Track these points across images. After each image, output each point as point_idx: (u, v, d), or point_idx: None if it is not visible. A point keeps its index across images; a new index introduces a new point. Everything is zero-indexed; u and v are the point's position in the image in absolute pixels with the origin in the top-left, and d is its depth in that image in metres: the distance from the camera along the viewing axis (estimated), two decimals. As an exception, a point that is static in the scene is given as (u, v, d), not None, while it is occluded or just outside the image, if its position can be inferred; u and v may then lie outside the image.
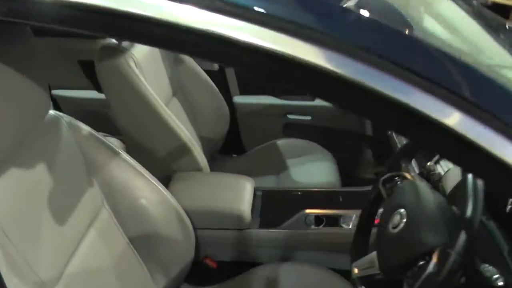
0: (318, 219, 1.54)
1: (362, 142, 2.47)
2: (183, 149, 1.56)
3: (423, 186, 1.06)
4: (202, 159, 1.62)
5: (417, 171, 1.27)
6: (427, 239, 0.93)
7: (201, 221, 1.44)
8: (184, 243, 1.34)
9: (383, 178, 1.20)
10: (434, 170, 1.20)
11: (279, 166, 2.03)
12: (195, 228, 1.37)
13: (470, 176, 0.86)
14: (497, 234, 0.97)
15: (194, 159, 1.59)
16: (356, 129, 2.40)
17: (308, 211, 1.57)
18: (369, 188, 1.73)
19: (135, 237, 1.22)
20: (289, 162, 2.04)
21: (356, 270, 1.14)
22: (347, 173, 2.03)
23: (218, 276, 1.46)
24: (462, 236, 0.82)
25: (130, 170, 1.20)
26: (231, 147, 2.22)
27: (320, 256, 1.51)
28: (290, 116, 2.32)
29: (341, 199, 1.67)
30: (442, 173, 1.21)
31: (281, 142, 2.17)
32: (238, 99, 2.26)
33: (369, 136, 2.42)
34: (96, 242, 1.10)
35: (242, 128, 2.34)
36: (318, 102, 2.28)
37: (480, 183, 0.86)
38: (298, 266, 1.42)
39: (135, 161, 1.23)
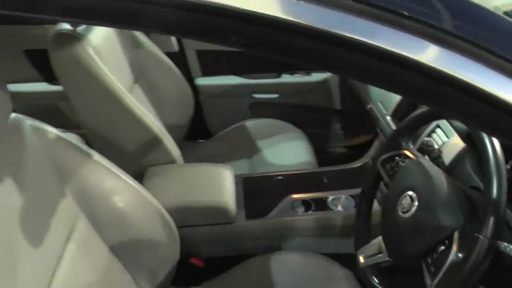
0: (306, 204, 1.46)
1: (331, 116, 2.41)
2: (154, 141, 1.43)
3: (431, 166, 0.99)
4: (175, 150, 1.50)
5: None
6: (446, 222, 0.87)
7: (184, 218, 1.33)
8: (169, 245, 1.22)
9: (381, 158, 1.12)
10: (432, 145, 1.14)
11: (251, 149, 1.93)
12: (178, 227, 1.25)
13: (491, 153, 0.80)
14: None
15: (166, 151, 1.46)
16: (324, 104, 2.33)
17: (294, 196, 1.49)
18: (352, 166, 1.68)
19: (117, 245, 1.10)
20: (261, 143, 1.95)
21: (362, 259, 1.07)
22: (318, 149, 1.96)
23: (206, 274, 1.36)
24: (491, 219, 0.76)
25: (104, 172, 1.07)
26: (196, 133, 2.09)
27: (311, 242, 1.44)
28: (257, 95, 2.22)
29: (325, 180, 1.60)
30: (437, 147, 1.15)
31: (250, 123, 2.07)
32: (201, 81, 2.13)
33: (338, 109, 2.36)
34: (76, 258, 0.97)
35: (206, 112, 2.21)
36: (285, 78, 2.19)
37: (502, 160, 0.80)
38: (289, 255, 1.34)
39: (107, 160, 1.09)
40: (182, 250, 1.28)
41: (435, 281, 0.83)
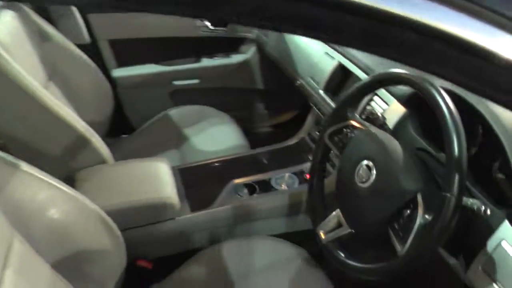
0: (250, 187, 1.42)
1: (254, 97, 2.39)
2: (81, 141, 1.30)
3: (382, 133, 0.99)
4: (104, 149, 1.37)
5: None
6: (407, 186, 0.87)
7: (127, 220, 1.23)
8: (114, 252, 1.12)
9: (329, 131, 1.11)
10: (376, 113, 1.15)
11: (178, 139, 1.84)
12: (121, 231, 1.16)
13: (447, 113, 0.80)
14: None
15: (95, 151, 1.34)
16: (246, 85, 2.30)
17: (237, 181, 1.44)
18: (288, 143, 1.67)
19: (59, 261, 0.98)
20: (188, 131, 1.87)
21: (322, 235, 1.06)
22: (245, 131, 1.93)
23: (156, 276, 1.28)
24: (456, 176, 0.77)
25: (36, 183, 0.94)
26: (118, 128, 1.96)
27: (260, 226, 1.41)
28: (177, 82, 2.13)
29: (265, 160, 1.57)
30: (380, 115, 1.16)
31: (173, 112, 1.98)
32: (117, 72, 1.99)
33: (260, 89, 2.34)
34: (16, 284, 0.85)
35: (126, 105, 2.08)
36: (205, 62, 2.12)
37: (459, 118, 0.81)
38: (240, 242, 1.29)
39: (36, 168, 0.97)
40: (128, 254, 1.18)
41: (406, 246, 0.83)
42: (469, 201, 0.83)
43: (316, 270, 1.22)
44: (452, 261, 1.00)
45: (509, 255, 0.81)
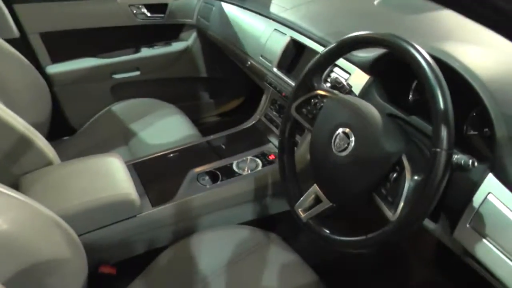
0: (212, 175, 1.34)
1: (199, 86, 2.30)
2: (23, 143, 1.16)
3: (354, 98, 0.95)
4: (50, 150, 1.24)
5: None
6: (390, 148, 0.84)
7: (84, 224, 1.11)
8: (74, 259, 1.01)
9: (295, 104, 1.05)
10: (341, 82, 1.10)
11: (125, 134, 1.73)
12: (79, 236, 1.04)
13: (427, 67, 0.77)
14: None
15: (40, 153, 1.20)
16: (189, 74, 2.21)
17: (197, 170, 1.36)
18: (244, 126, 1.60)
19: (13, 278, 0.86)
20: (135, 126, 1.76)
21: (301, 213, 1.00)
22: (193, 122, 1.85)
23: (121, 281, 1.17)
24: (444, 130, 0.73)
25: None
26: (57, 130, 1.81)
27: (228, 214, 1.34)
28: (117, 76, 2.00)
29: (223, 146, 1.49)
30: (345, 83, 1.12)
31: (116, 107, 1.86)
32: (52, 69, 1.83)
33: (204, 77, 2.26)
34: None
35: (64, 104, 1.92)
36: (144, 52, 2.01)
37: (438, 69, 0.78)
38: (208, 234, 1.22)
39: None
40: (90, 260, 1.07)
41: (398, 210, 0.79)
42: (454, 157, 0.80)
43: (290, 253, 1.17)
44: (431, 225, 0.98)
45: (497, 207, 0.79)
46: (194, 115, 2.02)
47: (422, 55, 0.78)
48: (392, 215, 0.80)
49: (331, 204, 0.94)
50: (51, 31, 1.77)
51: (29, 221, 0.90)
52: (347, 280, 1.43)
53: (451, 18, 1.27)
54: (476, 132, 0.94)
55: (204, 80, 2.28)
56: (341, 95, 1.00)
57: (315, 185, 0.99)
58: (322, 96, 1.02)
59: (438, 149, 0.73)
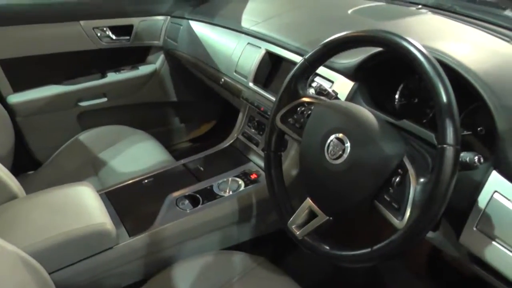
0: (192, 199, 1.26)
1: (168, 111, 2.23)
2: None
3: (344, 102, 0.90)
4: (14, 182, 1.14)
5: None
6: (390, 151, 0.78)
7: (55, 260, 1.01)
8: None
9: (280, 115, 0.99)
10: (326, 89, 1.05)
11: (95, 164, 1.63)
12: (49, 273, 0.93)
13: (426, 62, 0.72)
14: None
15: (4, 186, 1.10)
16: (158, 99, 2.13)
17: (175, 194, 1.27)
18: (222, 146, 1.53)
19: None
20: (105, 155, 1.67)
21: (296, 230, 0.93)
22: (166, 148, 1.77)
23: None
24: (450, 125, 0.68)
25: None
26: (20, 164, 1.69)
27: (211, 239, 1.25)
28: (83, 104, 1.90)
29: (201, 168, 1.41)
30: (331, 89, 1.07)
31: (84, 136, 1.77)
32: (14, 98, 1.72)
33: (174, 101, 2.19)
34: None
35: (28, 135, 1.81)
36: (111, 77, 1.93)
37: (438, 64, 0.73)
38: (192, 262, 1.13)
39: None
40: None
41: (406, 216, 0.73)
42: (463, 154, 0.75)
43: (281, 275, 1.10)
44: (431, 234, 0.93)
45: (505, 206, 0.75)
46: (165, 141, 1.94)
47: (418, 48, 0.74)
48: (399, 223, 0.73)
49: (327, 218, 0.87)
50: (11, 58, 1.67)
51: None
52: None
53: (428, 21, 1.26)
54: (469, 132, 0.90)
55: (173, 105, 2.21)
56: (330, 100, 0.94)
57: (308, 199, 0.92)
58: (308, 103, 0.96)
59: (445, 145, 0.68)
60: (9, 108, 1.69)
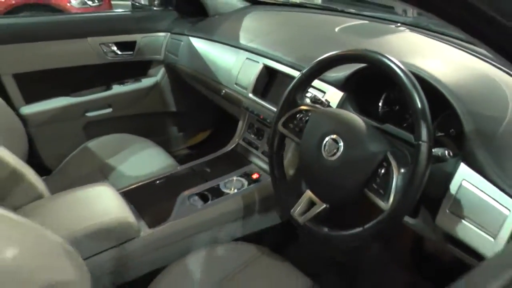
0: (202, 196, 1.41)
1: (168, 120, 2.38)
2: (14, 176, 1.19)
3: (337, 110, 1.07)
4: (40, 184, 1.27)
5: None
6: (375, 148, 0.95)
7: (88, 247, 1.15)
8: (81, 284, 1.03)
9: (282, 121, 1.16)
10: (320, 98, 1.22)
11: (103, 170, 1.77)
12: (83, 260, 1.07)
13: (403, 75, 0.90)
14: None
15: (31, 186, 1.23)
16: (159, 109, 2.28)
17: (186, 192, 1.42)
18: (224, 151, 1.68)
19: None
20: (112, 161, 1.80)
21: (298, 217, 1.09)
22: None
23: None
24: (424, 125, 0.86)
25: None
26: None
27: (221, 231, 1.40)
28: (90, 114, 2.04)
29: (208, 169, 1.57)
30: (324, 99, 1.24)
31: (92, 144, 1.90)
32: (26, 109, 1.85)
33: (173, 112, 2.34)
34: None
35: (39, 144, 1.93)
36: (116, 89, 2.07)
37: (413, 77, 0.91)
38: (204, 252, 1.28)
39: None
40: (93, 285, 1.10)
41: (390, 200, 0.89)
42: (433, 151, 0.92)
43: (282, 262, 1.25)
44: (411, 221, 1.09)
45: (471, 191, 0.92)
46: (165, 148, 2.08)
47: (397, 64, 0.91)
48: (385, 205, 0.90)
49: (325, 205, 1.04)
50: (24, 72, 1.80)
51: (35, 246, 0.92)
52: (337, 281, 1.51)
53: (406, 38, 1.44)
54: (443, 134, 1.08)
55: (173, 114, 2.36)
56: (324, 108, 1.11)
57: (307, 190, 1.08)
58: (306, 110, 1.13)
59: (420, 142, 0.85)
60: (21, 118, 1.82)
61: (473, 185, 0.92)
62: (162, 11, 2.22)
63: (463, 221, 0.94)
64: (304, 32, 1.67)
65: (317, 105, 1.15)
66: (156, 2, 2.25)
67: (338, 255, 1.51)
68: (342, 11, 1.84)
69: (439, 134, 1.07)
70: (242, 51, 1.66)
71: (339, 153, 0.98)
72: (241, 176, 1.50)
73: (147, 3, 2.11)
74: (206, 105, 2.17)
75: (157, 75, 2.20)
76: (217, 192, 1.43)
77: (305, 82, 1.13)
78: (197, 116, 2.44)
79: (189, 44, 1.97)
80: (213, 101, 2.00)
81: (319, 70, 1.09)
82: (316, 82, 1.30)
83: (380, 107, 1.25)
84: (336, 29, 1.58)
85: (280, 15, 1.96)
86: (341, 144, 0.98)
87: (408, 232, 1.16)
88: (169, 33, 2.15)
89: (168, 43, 2.14)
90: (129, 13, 2.13)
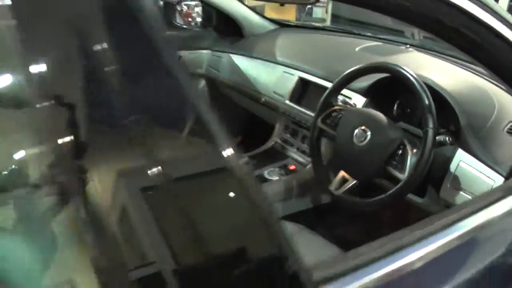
0: None
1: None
2: None
3: (363, 108, 1.42)
4: None
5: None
6: (395, 135, 1.30)
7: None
8: None
9: (321, 118, 1.50)
10: (349, 102, 1.56)
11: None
12: None
13: (414, 80, 1.24)
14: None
15: None
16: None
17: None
18: (262, 149, 2.02)
19: None
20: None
21: (335, 191, 1.42)
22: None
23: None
24: (431, 116, 1.20)
25: None
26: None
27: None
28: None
29: (251, 162, 1.90)
30: (352, 102, 1.58)
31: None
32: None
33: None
34: None
35: None
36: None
37: (423, 83, 1.25)
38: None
39: None
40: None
41: (406, 172, 1.24)
42: (436, 138, 1.26)
43: (316, 236, 1.57)
44: (419, 200, 1.43)
45: (466, 169, 1.26)
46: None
47: (410, 73, 1.26)
48: (402, 176, 1.24)
49: (355, 181, 1.38)
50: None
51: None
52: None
53: (414, 57, 1.78)
54: (445, 130, 1.41)
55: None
56: (354, 107, 1.46)
57: (341, 171, 1.42)
58: (339, 110, 1.47)
59: (428, 128, 1.19)
60: None
61: (467, 164, 1.26)
62: (203, 31, 2.58)
63: (460, 192, 1.28)
64: (329, 51, 2.02)
65: (348, 106, 1.49)
66: (196, 23, 2.60)
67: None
68: (359, 34, 2.20)
69: (442, 130, 1.41)
70: (279, 65, 2.01)
71: (367, 140, 1.32)
72: (280, 167, 1.84)
73: (182, 23, 2.45)
74: (238, 114, 2.51)
75: (199, 87, 2.55)
76: (262, 179, 1.76)
77: (338, 88, 1.48)
78: (230, 124, 2.77)
79: (229, 60, 2.33)
80: (246, 110, 2.35)
81: (351, 77, 1.44)
82: (344, 91, 1.65)
83: (394, 110, 1.60)
84: (356, 49, 1.94)
85: (307, 36, 2.32)
86: (369, 133, 1.33)
87: (416, 213, 1.48)
88: (210, 50, 2.51)
89: (209, 59, 2.50)
90: (177, 32, 2.49)
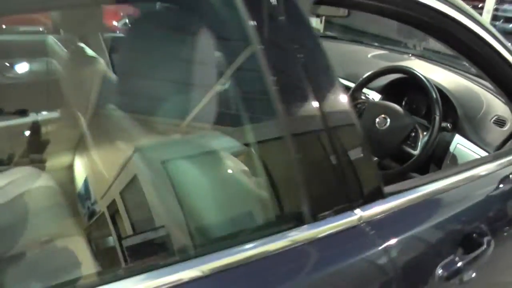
0: None
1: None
2: None
3: (384, 102, 1.81)
4: None
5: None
6: (409, 121, 1.69)
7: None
8: None
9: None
10: (368, 97, 1.95)
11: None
12: None
13: (427, 82, 1.64)
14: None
15: None
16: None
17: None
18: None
19: None
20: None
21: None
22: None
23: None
24: (438, 106, 1.59)
25: None
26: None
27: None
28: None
29: None
30: (371, 98, 1.97)
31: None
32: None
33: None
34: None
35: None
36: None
37: (432, 83, 1.65)
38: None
39: None
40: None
41: (418, 148, 1.63)
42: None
43: None
44: None
45: (462, 150, 1.66)
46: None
47: (420, 73, 1.66)
48: (415, 152, 1.64)
49: (376, 158, 1.76)
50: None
51: None
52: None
53: (416, 64, 2.18)
54: (446, 122, 1.81)
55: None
56: (374, 100, 1.85)
57: None
58: (362, 102, 1.86)
59: (435, 115, 1.59)
60: None
61: (463, 146, 1.66)
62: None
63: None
64: (345, 57, 2.41)
65: (369, 99, 1.88)
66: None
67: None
68: (368, 43, 2.60)
69: (444, 123, 1.81)
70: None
71: (387, 125, 1.71)
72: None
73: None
74: None
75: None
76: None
77: (363, 85, 1.87)
78: None
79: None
80: None
81: (373, 77, 1.84)
82: (364, 90, 2.03)
83: (403, 105, 1.99)
84: (369, 56, 2.33)
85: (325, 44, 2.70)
86: (388, 120, 1.71)
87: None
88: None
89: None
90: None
